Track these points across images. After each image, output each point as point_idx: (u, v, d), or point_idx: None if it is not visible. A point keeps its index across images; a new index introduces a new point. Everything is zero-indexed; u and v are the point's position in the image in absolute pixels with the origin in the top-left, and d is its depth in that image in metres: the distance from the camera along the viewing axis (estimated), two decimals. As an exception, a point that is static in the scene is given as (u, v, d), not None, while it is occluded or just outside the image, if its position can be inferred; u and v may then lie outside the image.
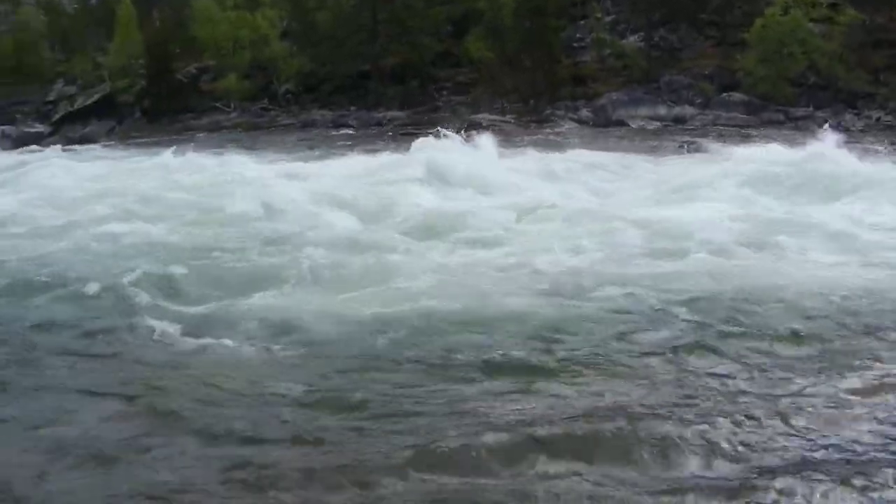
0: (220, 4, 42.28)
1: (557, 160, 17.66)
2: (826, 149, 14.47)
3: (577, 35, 38.13)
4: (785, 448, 4.36)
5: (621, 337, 6.43)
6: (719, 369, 5.69)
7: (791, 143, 17.23)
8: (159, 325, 6.80)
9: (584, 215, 11.17)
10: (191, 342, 6.52)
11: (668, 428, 4.55)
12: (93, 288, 7.83)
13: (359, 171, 16.76)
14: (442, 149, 16.24)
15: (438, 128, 17.98)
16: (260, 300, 7.54)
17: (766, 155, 15.29)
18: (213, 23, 40.77)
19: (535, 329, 6.63)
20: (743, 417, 4.70)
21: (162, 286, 7.91)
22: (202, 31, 41.23)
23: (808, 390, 5.25)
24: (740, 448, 4.37)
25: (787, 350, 6.07)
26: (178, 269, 8.40)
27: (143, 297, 7.54)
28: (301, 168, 18.24)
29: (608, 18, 38.79)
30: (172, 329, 6.73)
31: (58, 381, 5.78)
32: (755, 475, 4.08)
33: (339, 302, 7.43)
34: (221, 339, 6.49)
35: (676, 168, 16.93)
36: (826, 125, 17.65)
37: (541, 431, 4.56)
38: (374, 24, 38.23)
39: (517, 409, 5.02)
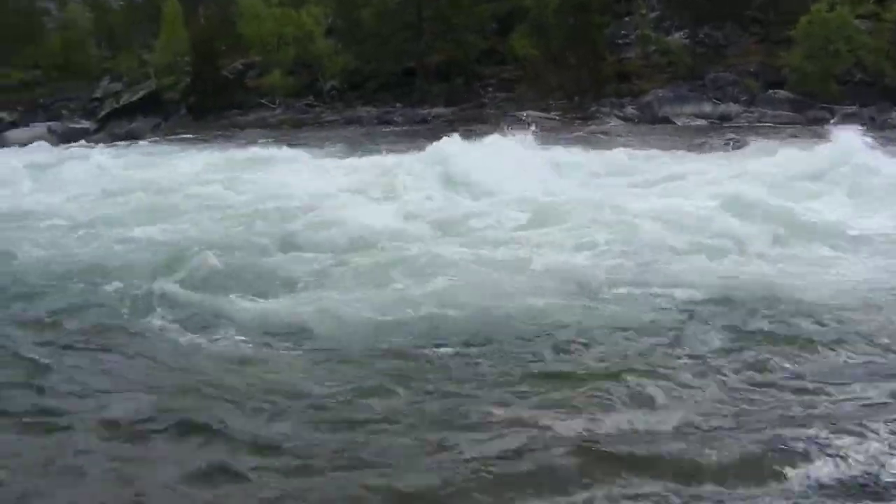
0: (266, 1, 43.46)
1: (590, 157, 18.30)
2: (842, 149, 14.48)
3: (622, 32, 38.95)
4: (847, 461, 4.27)
5: (650, 339, 6.45)
6: (756, 373, 5.69)
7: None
8: (181, 322, 7.02)
9: (602, 212, 11.21)
10: (209, 340, 6.65)
11: (713, 438, 4.56)
12: (112, 284, 8.12)
13: (382, 168, 17.03)
14: (462, 149, 16.50)
15: (446, 136, 18.25)
16: (273, 299, 7.74)
17: (789, 153, 15.55)
18: (259, 19, 42.03)
19: (555, 330, 6.68)
20: (799, 426, 4.69)
21: (182, 284, 8.11)
22: (248, 28, 42.48)
23: (850, 397, 5.22)
24: (804, 461, 4.29)
25: (816, 356, 6.01)
26: (196, 267, 8.69)
27: (163, 295, 7.74)
28: (332, 164, 18.87)
29: (653, 15, 39.62)
30: (193, 326, 6.92)
31: (78, 377, 5.88)
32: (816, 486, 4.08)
33: (360, 302, 7.51)
34: (233, 337, 6.68)
35: (706, 165, 16.96)
36: (832, 121, 17.55)
37: (578, 440, 4.58)
38: (419, 22, 39.30)
39: (547, 414, 5.00)
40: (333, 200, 13.03)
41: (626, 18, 39.79)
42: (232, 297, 7.67)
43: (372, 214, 11.61)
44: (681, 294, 7.55)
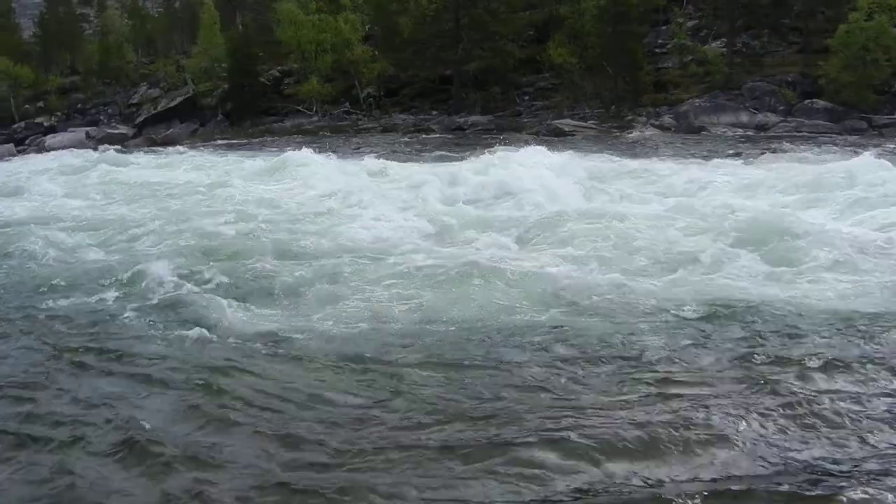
0: (304, 8, 45.02)
1: (610, 165, 18.65)
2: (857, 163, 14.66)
3: (659, 41, 40.08)
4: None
5: (651, 353, 6.50)
6: (781, 382, 5.72)
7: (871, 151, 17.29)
8: (180, 328, 7.38)
9: (609, 222, 11.33)
10: (242, 343, 6.98)
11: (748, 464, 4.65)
12: (152, 287, 8.65)
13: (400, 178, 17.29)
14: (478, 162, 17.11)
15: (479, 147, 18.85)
16: (267, 307, 8.13)
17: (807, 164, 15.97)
18: (297, 26, 43.57)
19: (554, 344, 6.81)
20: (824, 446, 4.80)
21: (184, 290, 8.58)
22: (286, 35, 44.03)
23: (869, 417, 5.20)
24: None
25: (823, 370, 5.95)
26: (198, 274, 9.22)
27: (163, 300, 8.27)
28: (352, 171, 18.61)
29: (690, 24, 40.68)
30: (195, 332, 7.21)
31: (83, 383, 6.16)
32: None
33: (361, 309, 7.86)
34: (239, 344, 6.98)
35: (725, 175, 16.51)
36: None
37: (585, 461, 4.69)
38: (456, 30, 40.46)
39: (550, 430, 5.08)
40: (341, 208, 13.60)
41: (664, 27, 40.84)
42: (239, 303, 8.14)
43: (380, 224, 12.14)
44: (688, 306, 7.65)
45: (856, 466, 4.53)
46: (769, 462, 4.61)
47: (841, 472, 4.48)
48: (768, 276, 8.85)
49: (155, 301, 8.29)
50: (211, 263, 9.68)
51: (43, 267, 10.17)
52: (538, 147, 18.66)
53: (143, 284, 8.80)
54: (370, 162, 20.26)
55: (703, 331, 7.02)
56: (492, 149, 18.71)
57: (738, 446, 4.78)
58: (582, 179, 15.97)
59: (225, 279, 9.07)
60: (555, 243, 10.63)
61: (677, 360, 6.32)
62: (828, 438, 4.89)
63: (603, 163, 19.41)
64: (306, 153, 20.41)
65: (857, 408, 5.28)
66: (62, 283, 9.16)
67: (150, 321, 7.65)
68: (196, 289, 8.65)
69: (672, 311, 7.55)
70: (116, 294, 8.57)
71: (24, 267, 10.23)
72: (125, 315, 7.85)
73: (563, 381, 5.98)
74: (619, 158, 20.64)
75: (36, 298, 8.67)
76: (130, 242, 11.52)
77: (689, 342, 6.73)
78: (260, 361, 6.50)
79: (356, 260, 9.77)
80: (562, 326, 7.22)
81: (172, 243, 11.13)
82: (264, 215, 13.05)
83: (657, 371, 6.10)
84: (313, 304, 8.12)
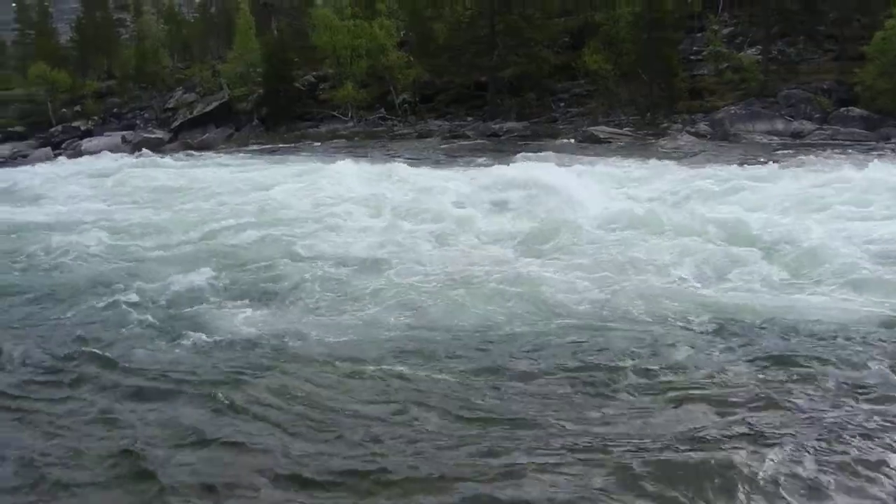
0: (339, 14, 46.10)
1: (625, 171, 19.09)
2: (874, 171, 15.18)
3: (694, 48, 40.76)
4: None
5: (659, 363, 6.58)
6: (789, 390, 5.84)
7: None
8: (179, 332, 7.58)
9: (612, 230, 11.66)
10: (247, 350, 7.17)
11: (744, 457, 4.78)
12: (161, 292, 8.90)
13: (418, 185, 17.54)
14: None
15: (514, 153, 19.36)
16: (284, 311, 8.43)
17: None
18: (332, 31, 44.61)
19: (564, 355, 6.88)
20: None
21: (227, 289, 9.07)
22: (321, 40, 45.07)
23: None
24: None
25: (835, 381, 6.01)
26: (230, 277, 9.66)
27: (213, 299, 8.61)
28: (374, 178, 19.04)
29: (726, 31, 41.34)
30: (228, 335, 7.49)
31: (137, 377, 6.43)
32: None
33: (385, 315, 8.15)
34: (242, 349, 7.20)
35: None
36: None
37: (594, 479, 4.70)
38: (491, 36, 41.24)
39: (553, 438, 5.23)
40: (352, 213, 14.10)
41: (699, 34, 41.51)
42: (244, 309, 8.38)
43: (387, 229, 12.50)
44: (692, 316, 7.79)
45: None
46: (795, 487, 4.54)
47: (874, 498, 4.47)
48: (778, 285, 8.91)
49: (163, 305, 8.56)
50: (221, 269, 10.02)
51: (54, 271, 10.63)
52: (544, 155, 19.30)
53: (152, 290, 9.04)
54: (386, 167, 20.89)
55: (715, 342, 7.05)
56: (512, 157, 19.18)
57: (760, 466, 4.70)
58: (593, 187, 16.17)
59: (232, 285, 9.40)
60: (557, 252, 10.81)
61: (693, 373, 6.33)
62: (858, 458, 4.83)
63: (619, 170, 19.87)
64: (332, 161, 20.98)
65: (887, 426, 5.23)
66: (71, 288, 9.48)
67: (155, 326, 7.85)
68: (204, 295, 8.93)
69: (680, 323, 7.64)
70: (123, 298, 8.72)
71: (33, 271, 10.74)
72: (130, 320, 8.04)
73: (574, 392, 6.04)
74: (639, 165, 21.01)
75: (44, 303, 8.96)
76: (144, 247, 11.96)
77: (703, 354, 6.76)
78: (266, 369, 6.61)
79: (363, 266, 10.12)
80: (567, 336, 7.35)
81: (185, 248, 11.64)
82: (275, 220, 13.57)
83: (673, 384, 6.12)
84: (317, 312, 8.33)
